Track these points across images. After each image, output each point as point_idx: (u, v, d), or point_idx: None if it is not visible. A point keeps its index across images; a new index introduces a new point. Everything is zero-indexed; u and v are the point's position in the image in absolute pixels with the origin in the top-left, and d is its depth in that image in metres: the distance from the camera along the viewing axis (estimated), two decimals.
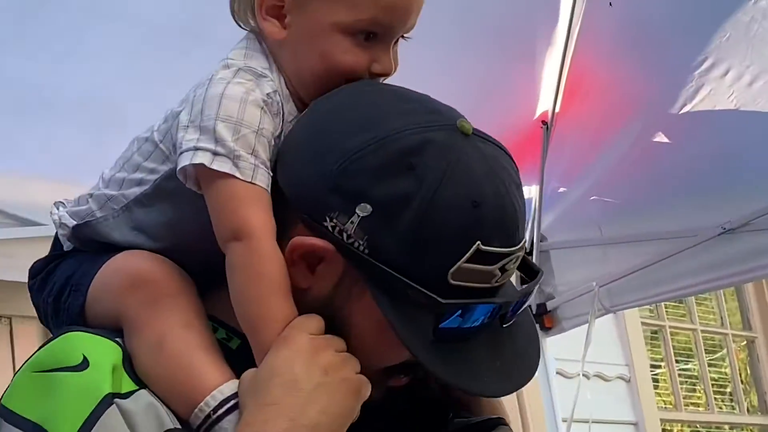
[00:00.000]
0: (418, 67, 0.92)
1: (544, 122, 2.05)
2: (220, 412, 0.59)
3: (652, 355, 5.13)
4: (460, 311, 0.58)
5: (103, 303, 0.66)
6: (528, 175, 2.04)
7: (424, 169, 0.58)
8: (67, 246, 0.73)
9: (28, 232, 1.84)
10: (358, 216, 0.59)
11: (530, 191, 2.09)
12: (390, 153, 0.59)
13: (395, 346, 0.60)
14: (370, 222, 0.59)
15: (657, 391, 5.04)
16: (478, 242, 0.58)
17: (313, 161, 0.62)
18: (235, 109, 0.62)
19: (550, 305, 2.22)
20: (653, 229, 2.05)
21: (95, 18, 1.63)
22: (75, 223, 0.71)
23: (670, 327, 5.29)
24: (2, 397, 0.63)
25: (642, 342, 4.92)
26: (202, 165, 0.61)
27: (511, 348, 0.64)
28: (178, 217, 0.67)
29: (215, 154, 0.61)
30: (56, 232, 0.75)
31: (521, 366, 0.64)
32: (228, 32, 0.72)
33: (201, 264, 0.66)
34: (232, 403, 0.60)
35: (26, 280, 0.75)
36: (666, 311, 5.28)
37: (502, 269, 0.60)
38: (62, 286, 0.70)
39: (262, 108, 0.63)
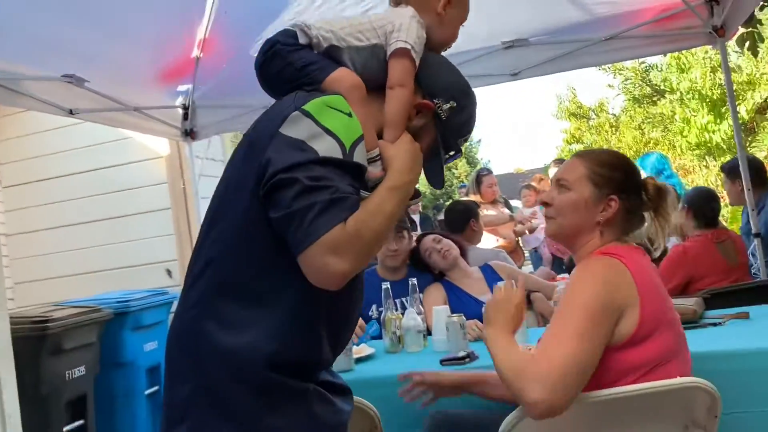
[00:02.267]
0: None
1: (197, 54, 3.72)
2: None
3: None
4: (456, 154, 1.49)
5: (334, 86, 1.35)
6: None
7: (466, 101, 1.45)
8: (304, 41, 1.41)
9: None
10: (449, 105, 1.41)
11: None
12: (463, 91, 1.45)
13: (429, 158, 1.44)
14: (450, 110, 1.42)
15: None
16: (467, 134, 1.48)
17: (442, 74, 1.46)
18: (418, 33, 1.42)
19: None
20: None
21: None
22: (329, 44, 1.40)
23: None
24: (315, 118, 1.28)
25: None
26: (406, 48, 1.39)
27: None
28: (365, 65, 1.42)
29: (411, 48, 1.40)
30: (295, 32, 1.42)
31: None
32: None
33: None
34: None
35: None
36: None
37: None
38: (310, 62, 1.39)
39: (421, 38, 1.44)
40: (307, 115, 1.28)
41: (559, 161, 5.79)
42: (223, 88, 4.12)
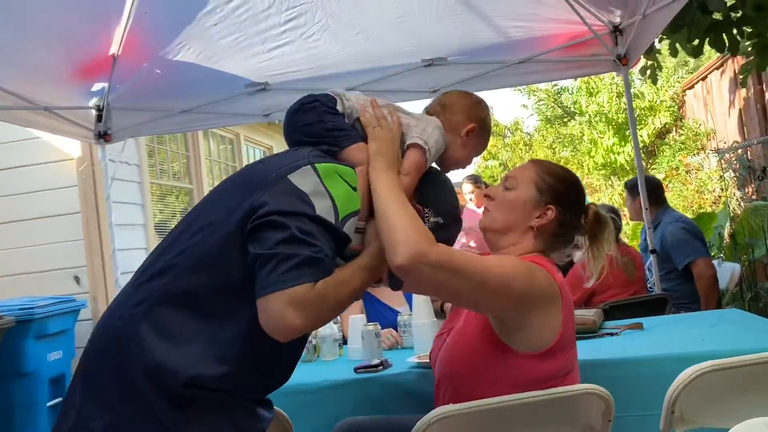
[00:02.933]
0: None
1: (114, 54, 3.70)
2: None
3: None
4: None
5: (350, 155, 1.49)
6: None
7: (452, 224, 1.60)
8: (341, 109, 1.55)
9: None
10: (436, 219, 1.55)
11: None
12: (453, 215, 1.61)
13: None
14: (435, 224, 1.54)
15: None
16: None
17: (441, 191, 1.60)
18: (437, 141, 1.58)
19: None
20: None
21: None
22: (358, 116, 1.56)
23: None
24: (322, 179, 1.37)
25: None
26: (423, 146, 1.54)
27: None
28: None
29: (428, 149, 1.55)
30: (335, 99, 1.56)
31: None
32: None
33: None
34: None
35: None
36: None
37: None
38: (340, 128, 1.52)
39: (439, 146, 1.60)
40: (317, 173, 1.37)
41: (471, 177, 5.94)
42: (140, 90, 4.03)
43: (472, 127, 1.63)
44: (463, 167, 1.71)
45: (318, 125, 1.52)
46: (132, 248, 5.41)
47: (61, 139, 4.74)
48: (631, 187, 4.14)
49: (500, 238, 1.70)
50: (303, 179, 1.35)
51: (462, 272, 1.42)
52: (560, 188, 1.70)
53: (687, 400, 1.54)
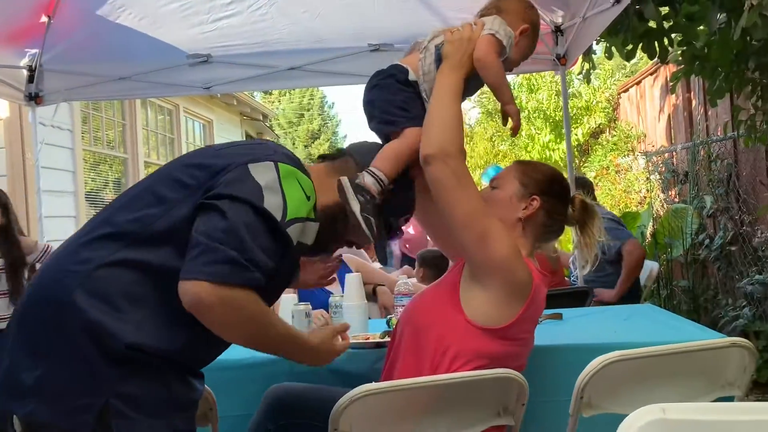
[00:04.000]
0: None
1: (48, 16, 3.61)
2: None
3: None
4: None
5: (404, 139, 1.65)
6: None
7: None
8: (413, 78, 1.69)
9: None
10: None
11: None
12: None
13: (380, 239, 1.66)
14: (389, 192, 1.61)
15: None
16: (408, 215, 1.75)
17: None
18: (505, 29, 1.70)
19: None
20: None
21: None
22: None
23: None
24: (280, 178, 1.38)
25: None
26: (488, 34, 1.68)
27: None
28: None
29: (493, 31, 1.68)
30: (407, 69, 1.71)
31: None
32: None
33: None
34: None
35: None
36: None
37: None
38: (406, 108, 1.68)
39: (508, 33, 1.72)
40: (277, 171, 1.38)
41: None
42: (75, 52, 3.90)
43: (525, 27, 1.73)
44: (514, 68, 1.78)
45: (386, 103, 1.68)
46: (61, 216, 5.25)
47: None
48: None
49: None
50: (261, 172, 1.36)
51: (467, 189, 1.59)
52: (542, 179, 1.78)
53: (595, 387, 1.64)
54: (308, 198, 1.42)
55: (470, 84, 1.70)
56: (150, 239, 1.33)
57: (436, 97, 1.63)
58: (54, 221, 4.71)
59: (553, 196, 1.78)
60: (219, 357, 1.53)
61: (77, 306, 1.27)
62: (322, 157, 1.69)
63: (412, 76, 1.68)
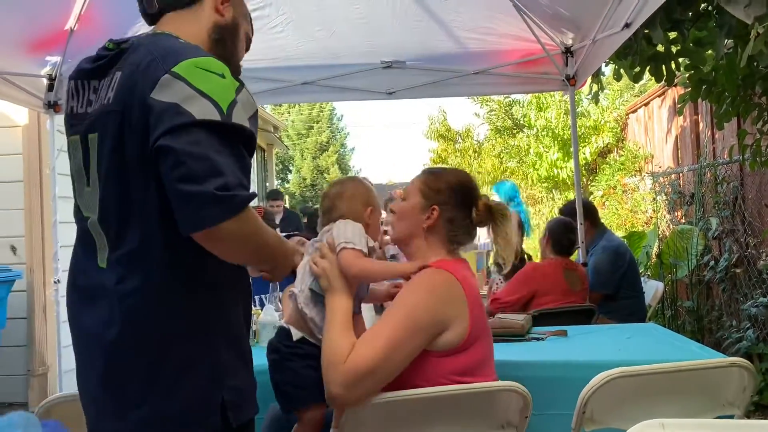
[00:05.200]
0: None
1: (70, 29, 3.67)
2: None
3: None
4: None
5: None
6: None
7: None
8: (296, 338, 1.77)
9: None
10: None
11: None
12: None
13: None
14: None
15: None
16: None
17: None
18: (351, 228, 1.81)
19: None
20: None
21: None
22: None
23: None
24: (188, 81, 1.26)
25: None
26: (342, 248, 1.76)
27: None
28: None
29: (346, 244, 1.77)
30: None
31: None
32: None
33: None
34: None
35: None
36: None
37: None
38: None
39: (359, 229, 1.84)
40: (179, 77, 1.25)
41: None
42: None
43: (370, 209, 1.83)
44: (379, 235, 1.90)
45: (285, 385, 1.75)
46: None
47: (9, 106, 4.63)
48: (567, 213, 4.18)
49: (407, 247, 1.86)
50: (167, 91, 1.25)
51: (377, 368, 1.56)
52: (443, 188, 1.84)
53: (597, 402, 1.67)
54: (222, 75, 1.30)
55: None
56: (162, 221, 1.33)
57: (328, 326, 1.65)
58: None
59: (454, 205, 1.83)
60: None
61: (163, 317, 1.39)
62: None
63: (296, 335, 1.75)
